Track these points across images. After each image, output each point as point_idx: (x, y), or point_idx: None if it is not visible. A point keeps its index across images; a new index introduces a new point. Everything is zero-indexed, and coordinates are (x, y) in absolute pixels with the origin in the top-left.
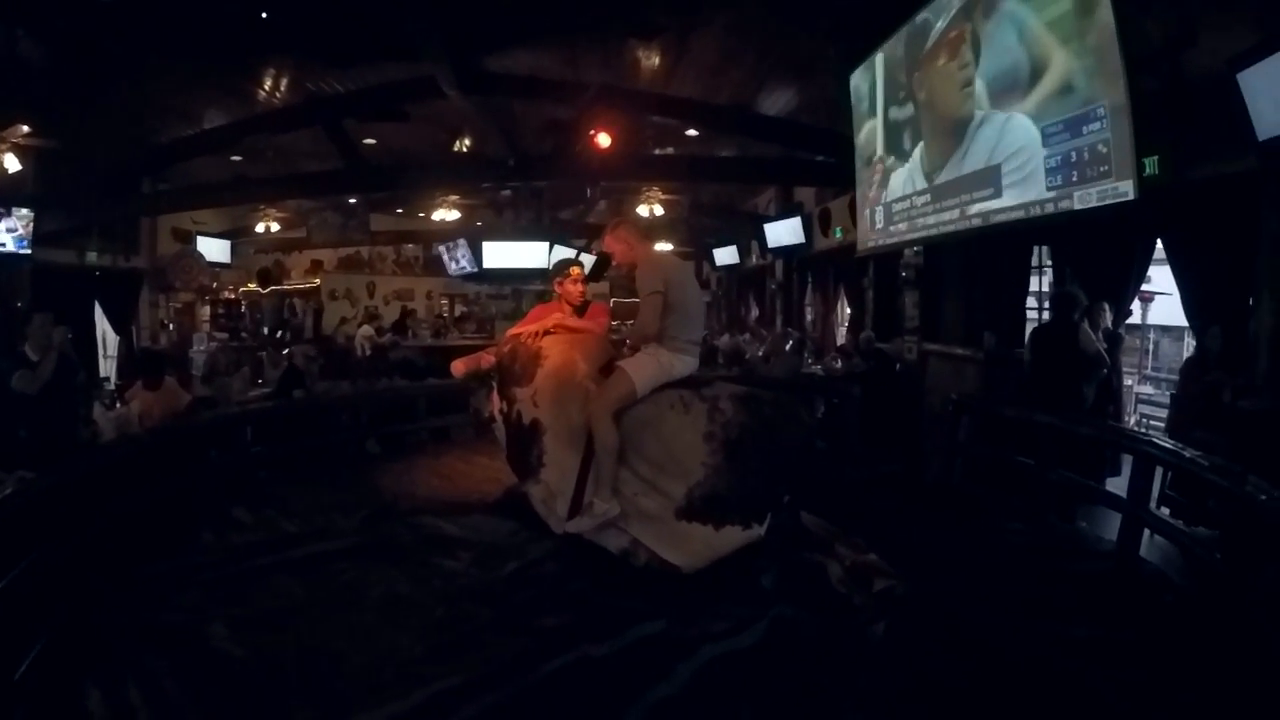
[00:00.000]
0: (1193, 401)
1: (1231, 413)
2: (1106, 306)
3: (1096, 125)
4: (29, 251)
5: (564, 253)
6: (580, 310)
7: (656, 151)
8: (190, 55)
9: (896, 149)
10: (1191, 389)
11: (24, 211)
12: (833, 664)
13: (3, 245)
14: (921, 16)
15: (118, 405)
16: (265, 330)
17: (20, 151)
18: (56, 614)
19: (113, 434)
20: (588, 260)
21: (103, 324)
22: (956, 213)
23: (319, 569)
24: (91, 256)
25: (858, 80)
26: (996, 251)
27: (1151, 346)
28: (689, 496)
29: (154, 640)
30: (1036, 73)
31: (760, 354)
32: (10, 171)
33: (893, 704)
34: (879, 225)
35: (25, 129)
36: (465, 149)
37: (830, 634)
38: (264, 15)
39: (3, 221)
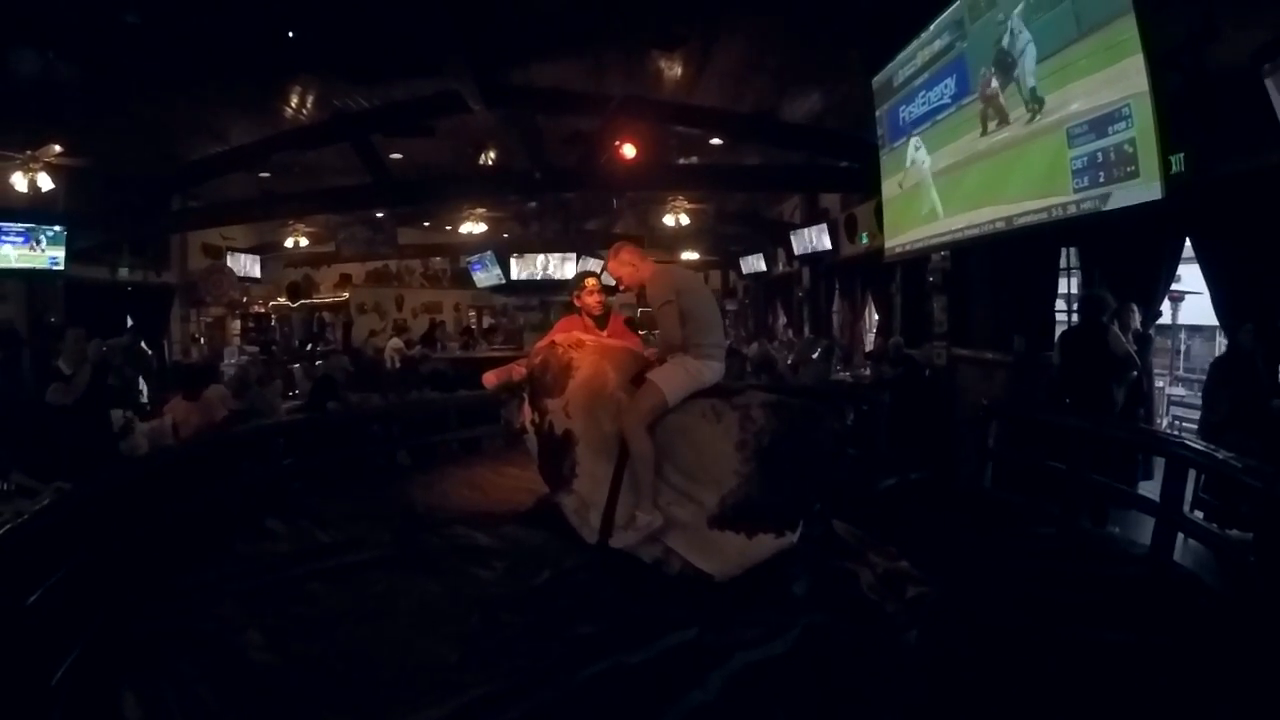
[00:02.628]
0: (1223, 401)
1: (1265, 413)
2: (1135, 308)
3: (1122, 125)
4: (61, 268)
5: (589, 264)
6: (601, 321)
7: (681, 161)
8: (218, 74)
9: None
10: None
11: (56, 229)
12: (865, 671)
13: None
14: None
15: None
16: (296, 343)
17: (53, 170)
18: (93, 621)
19: (148, 446)
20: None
21: None
22: (982, 215)
23: (352, 578)
24: (123, 272)
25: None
26: (1024, 254)
27: (1183, 347)
28: (722, 505)
29: (189, 647)
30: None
31: (789, 362)
32: (44, 190)
33: (925, 710)
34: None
35: (58, 148)
36: (491, 162)
37: (862, 641)
38: (290, 34)
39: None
